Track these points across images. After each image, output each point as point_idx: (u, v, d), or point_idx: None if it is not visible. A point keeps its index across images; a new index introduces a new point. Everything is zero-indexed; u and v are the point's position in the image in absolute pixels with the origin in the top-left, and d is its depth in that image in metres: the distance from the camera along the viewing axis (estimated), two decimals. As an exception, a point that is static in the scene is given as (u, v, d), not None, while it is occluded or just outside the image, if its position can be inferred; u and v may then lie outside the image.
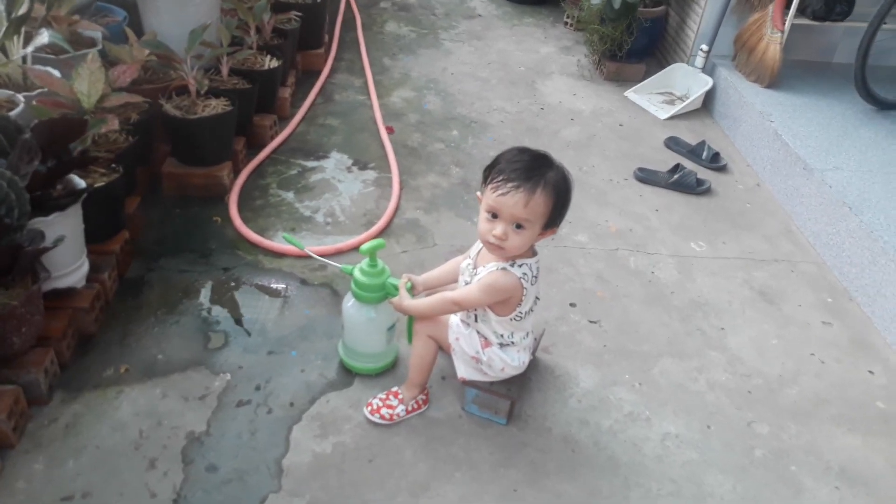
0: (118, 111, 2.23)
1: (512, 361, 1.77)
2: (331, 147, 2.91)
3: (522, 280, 1.65)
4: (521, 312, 1.70)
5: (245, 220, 2.41)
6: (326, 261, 1.99)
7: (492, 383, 1.82)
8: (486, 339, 1.76)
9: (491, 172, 1.59)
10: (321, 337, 2.04)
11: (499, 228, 1.59)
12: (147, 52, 2.41)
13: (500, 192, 1.55)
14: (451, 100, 3.40)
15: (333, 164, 2.81)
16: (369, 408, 1.82)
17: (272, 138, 2.87)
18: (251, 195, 2.58)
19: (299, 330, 2.05)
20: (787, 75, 3.33)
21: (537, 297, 1.76)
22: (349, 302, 1.86)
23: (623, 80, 3.71)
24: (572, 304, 2.27)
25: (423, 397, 1.85)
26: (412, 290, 1.79)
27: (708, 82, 3.48)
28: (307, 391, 1.87)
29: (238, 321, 2.06)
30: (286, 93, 3.05)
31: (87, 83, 2.08)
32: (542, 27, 4.41)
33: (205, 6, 2.58)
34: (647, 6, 3.59)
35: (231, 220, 2.42)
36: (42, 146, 1.72)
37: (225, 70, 2.61)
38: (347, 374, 1.93)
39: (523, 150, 1.60)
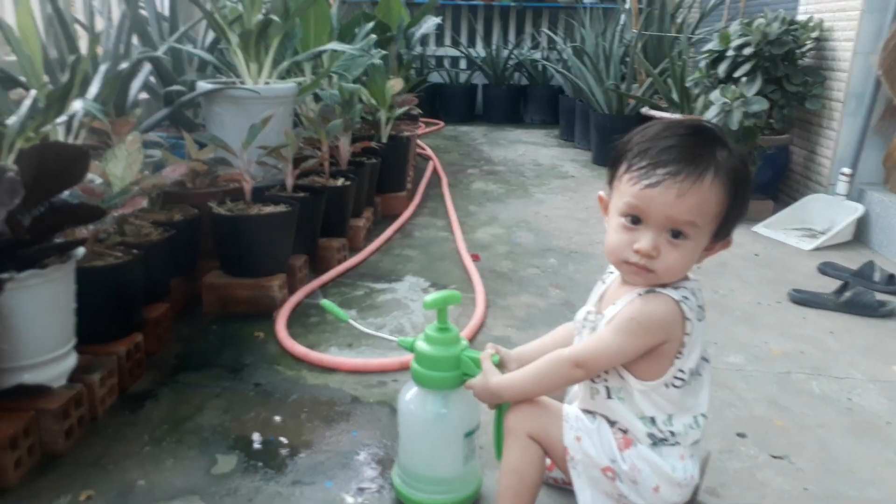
0: (153, 195, 1.91)
1: (673, 472, 1.07)
2: (405, 272, 2.45)
3: (683, 305, 1.03)
4: (682, 371, 1.05)
5: (294, 336, 1.91)
6: (376, 333, 1.43)
7: (636, 521, 1.11)
8: (625, 432, 1.10)
9: (626, 156, 1.06)
10: (371, 464, 1.41)
11: (645, 239, 1.03)
12: (201, 153, 2.15)
13: (645, 182, 1.01)
14: (544, 235, 2.95)
15: (407, 287, 2.33)
16: (435, 558, 1.13)
17: (339, 262, 2.46)
18: (305, 313, 2.10)
19: (341, 455, 1.43)
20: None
21: (705, 356, 1.11)
22: (408, 393, 1.26)
23: (747, 219, 3.17)
24: (741, 435, 1.55)
25: (523, 548, 1.15)
26: (501, 367, 1.19)
27: (858, 209, 2.89)
28: (341, 534, 1.21)
29: (260, 442, 1.47)
30: (360, 223, 2.70)
31: (123, 165, 1.77)
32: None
33: (273, 122, 2.34)
34: (767, 134, 3.17)
35: (275, 333, 1.92)
36: (27, 184, 1.34)
37: (290, 181, 2.30)
38: (405, 513, 1.27)
39: (675, 124, 1.07)
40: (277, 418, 1.56)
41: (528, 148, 5.02)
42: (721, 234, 1.05)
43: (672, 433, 1.08)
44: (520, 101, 6.29)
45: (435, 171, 4.05)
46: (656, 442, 1.08)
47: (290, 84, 2.45)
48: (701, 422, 1.10)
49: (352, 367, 1.77)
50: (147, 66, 2.44)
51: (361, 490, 1.33)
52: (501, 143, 5.22)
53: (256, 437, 1.49)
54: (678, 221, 1.01)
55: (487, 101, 6.26)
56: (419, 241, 2.84)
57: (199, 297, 2.08)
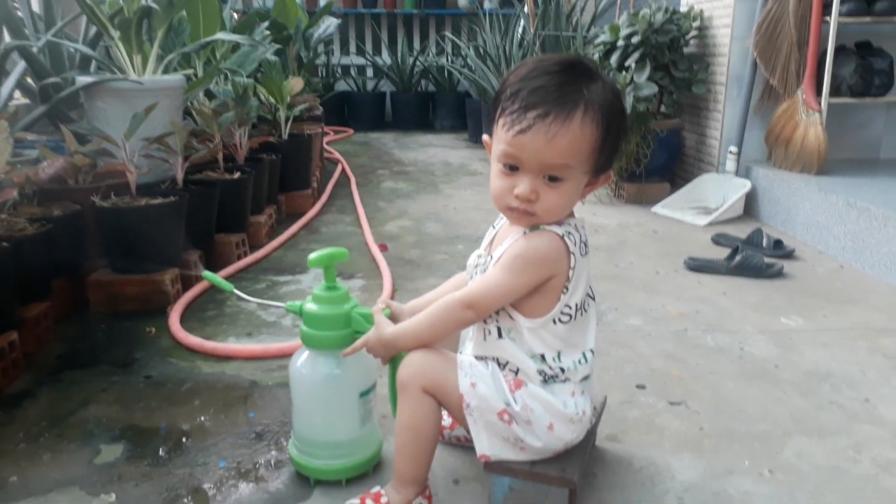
0: (27, 190, 1.79)
1: (564, 408, 1.07)
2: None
3: (567, 240, 1.04)
4: (568, 307, 1.06)
5: (189, 330, 1.82)
6: (262, 301, 1.38)
7: (533, 463, 1.10)
8: (516, 374, 1.09)
9: (500, 99, 1.06)
10: (268, 442, 1.35)
11: (523, 185, 1.02)
12: (79, 147, 2.04)
13: (517, 128, 1.00)
14: (453, 225, 2.95)
15: (311, 278, 2.28)
16: (331, 520, 1.08)
17: (239, 258, 2.38)
18: (202, 307, 2.01)
19: (236, 437, 1.37)
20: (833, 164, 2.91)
21: (591, 292, 1.12)
22: (300, 358, 1.22)
23: (646, 202, 3.27)
24: (640, 386, 1.57)
25: (423, 503, 1.12)
26: (393, 321, 1.17)
27: (745, 184, 3.04)
28: (234, 509, 1.15)
29: (149, 430, 1.39)
30: (261, 219, 2.63)
31: (-11, 156, 1.66)
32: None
33: (160, 114, 2.25)
34: (659, 119, 3.30)
35: (168, 327, 1.83)
36: None
37: (180, 174, 2.21)
38: (303, 484, 1.22)
39: (546, 60, 1.06)
40: (169, 406, 1.48)
41: (438, 150, 5.05)
42: (601, 168, 1.06)
43: (562, 370, 1.08)
44: (428, 106, 6.33)
45: (344, 172, 4.00)
46: (547, 379, 1.08)
47: (176, 76, 2.37)
48: (589, 357, 1.11)
49: (249, 353, 1.70)
50: (21, 64, 2.31)
51: (258, 466, 1.27)
52: (412, 146, 5.23)
53: (145, 425, 1.40)
54: (552, 166, 1.01)
55: (396, 108, 6.27)
56: (326, 237, 2.79)
57: (87, 297, 1.97)
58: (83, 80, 2.21)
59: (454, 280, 1.26)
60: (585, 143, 1.01)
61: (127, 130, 1.98)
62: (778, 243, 2.53)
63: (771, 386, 1.58)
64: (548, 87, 1.01)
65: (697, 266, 2.36)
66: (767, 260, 2.34)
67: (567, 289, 1.06)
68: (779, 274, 2.30)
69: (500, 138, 1.04)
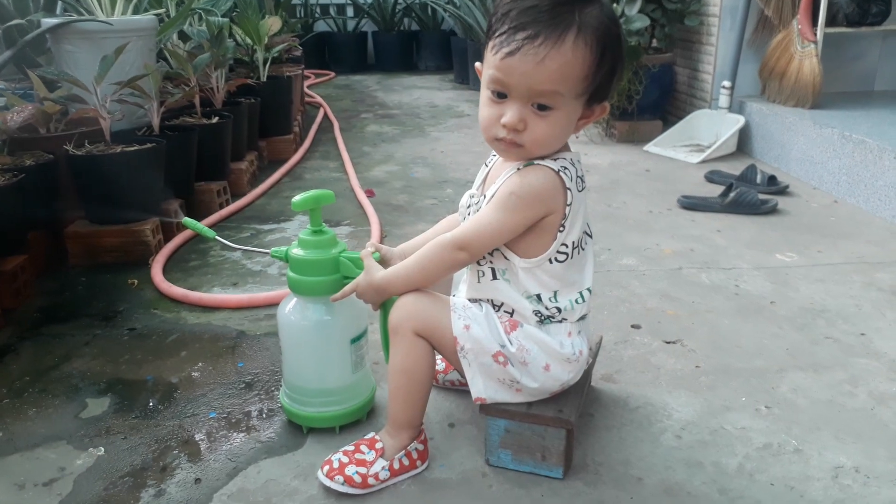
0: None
1: (561, 348, 1.04)
2: (294, 213, 2.34)
3: (562, 175, 0.99)
4: (565, 245, 1.02)
5: (173, 281, 1.77)
6: (246, 247, 1.34)
7: (530, 404, 1.08)
8: (511, 315, 1.06)
9: (492, 22, 0.99)
10: (258, 391, 1.33)
11: (510, 113, 0.96)
12: (49, 94, 1.94)
13: (505, 50, 0.93)
14: (441, 169, 2.89)
15: (297, 226, 2.22)
16: (326, 468, 1.06)
17: (221, 207, 2.32)
18: (185, 258, 1.96)
19: (225, 386, 1.34)
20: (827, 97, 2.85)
21: (588, 230, 1.08)
22: (288, 305, 1.18)
23: (638, 141, 3.21)
24: (635, 326, 1.55)
25: (419, 447, 1.10)
26: (383, 265, 1.13)
27: (739, 120, 2.98)
28: (225, 460, 1.13)
29: (135, 383, 1.35)
30: (242, 166, 2.55)
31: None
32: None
33: (132, 57, 2.14)
34: (650, 54, 3.21)
35: (151, 278, 1.79)
36: None
37: (156, 120, 2.12)
38: (295, 432, 1.20)
39: None
40: (155, 359, 1.44)
41: (423, 92, 4.92)
42: (595, 99, 1.00)
43: (558, 309, 1.04)
44: (412, 47, 6.16)
45: (326, 117, 3.90)
46: (543, 319, 1.05)
47: (147, 16, 2.26)
48: (586, 296, 1.07)
49: (235, 303, 1.66)
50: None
51: (249, 415, 1.25)
52: (396, 89, 5.10)
53: (131, 378, 1.37)
54: (540, 92, 0.94)
55: (379, 49, 6.10)
56: (310, 183, 2.72)
57: (65, 249, 1.91)
58: (49, 21, 2.10)
59: (445, 222, 1.22)
60: (577, 69, 0.94)
61: (97, 74, 1.89)
62: (772, 179, 2.49)
63: (766, 322, 1.57)
64: (540, 7, 0.93)
65: (691, 204, 2.32)
66: (761, 196, 2.31)
67: (564, 227, 1.01)
68: (773, 210, 2.27)
69: (490, 62, 0.97)
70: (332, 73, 5.69)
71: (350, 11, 6.24)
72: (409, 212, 2.36)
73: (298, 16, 5.85)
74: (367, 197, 2.46)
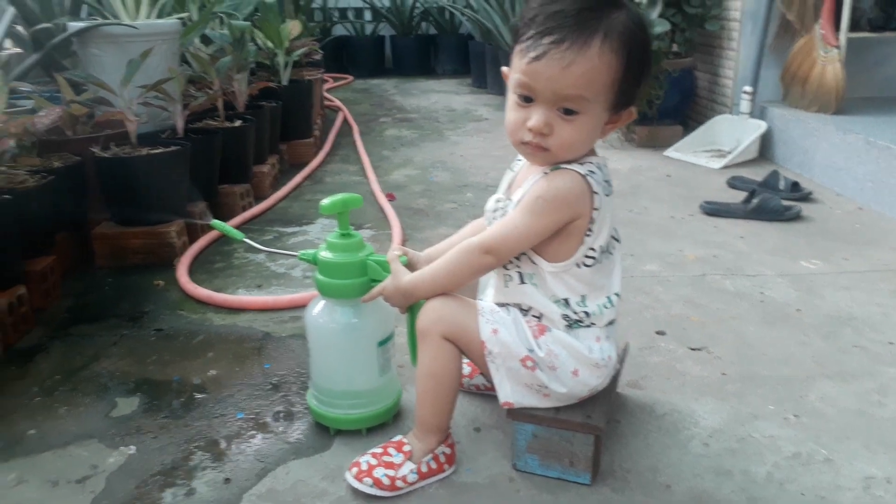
0: (25, 142, 1.74)
1: (590, 353, 1.04)
2: (317, 216, 2.35)
3: (590, 179, 0.99)
4: (593, 250, 1.02)
5: (198, 283, 1.79)
6: (273, 250, 1.35)
7: (558, 409, 1.08)
8: (539, 319, 1.06)
9: (519, 27, 0.99)
10: (285, 392, 1.33)
11: (536, 116, 0.97)
12: (75, 97, 1.96)
13: (532, 54, 0.94)
14: (461, 173, 2.89)
15: (319, 229, 2.24)
16: (355, 469, 1.07)
17: (244, 209, 2.34)
18: (209, 259, 1.98)
19: (252, 388, 1.35)
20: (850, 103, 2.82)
21: (615, 234, 1.08)
22: (316, 307, 1.18)
23: (658, 146, 3.20)
24: (660, 332, 1.55)
25: (447, 451, 1.10)
26: (410, 269, 1.13)
27: (761, 125, 2.96)
28: (254, 461, 1.14)
29: (163, 383, 1.37)
30: (265, 169, 2.57)
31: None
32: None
33: (156, 61, 2.16)
34: (671, 58, 3.19)
35: (177, 279, 1.80)
36: None
37: (180, 123, 2.14)
38: (322, 434, 1.20)
39: None
40: (182, 359, 1.46)
41: (441, 96, 4.93)
42: (622, 104, 1.00)
43: (587, 314, 1.04)
44: (430, 51, 6.18)
45: (346, 120, 3.91)
46: (571, 324, 1.05)
47: (171, 20, 2.28)
48: (615, 301, 1.07)
49: (261, 305, 1.67)
50: (10, 10, 2.22)
51: (276, 416, 1.26)
52: (413, 93, 5.12)
53: (159, 378, 1.38)
54: (566, 97, 0.95)
55: (396, 52, 6.12)
56: (331, 186, 2.73)
57: (92, 250, 1.93)
58: (75, 25, 2.13)
59: (470, 227, 1.22)
60: (603, 74, 0.95)
61: (124, 77, 1.91)
62: (795, 185, 2.47)
63: (793, 330, 1.56)
64: (566, 12, 0.94)
65: (714, 210, 2.31)
66: (785, 203, 2.29)
67: (591, 231, 1.01)
68: (797, 217, 2.26)
69: (516, 66, 0.98)
70: (350, 77, 5.72)
71: (368, 15, 6.27)
72: (430, 216, 2.36)
73: (316, 20, 5.89)
74: (388, 201, 2.47)
